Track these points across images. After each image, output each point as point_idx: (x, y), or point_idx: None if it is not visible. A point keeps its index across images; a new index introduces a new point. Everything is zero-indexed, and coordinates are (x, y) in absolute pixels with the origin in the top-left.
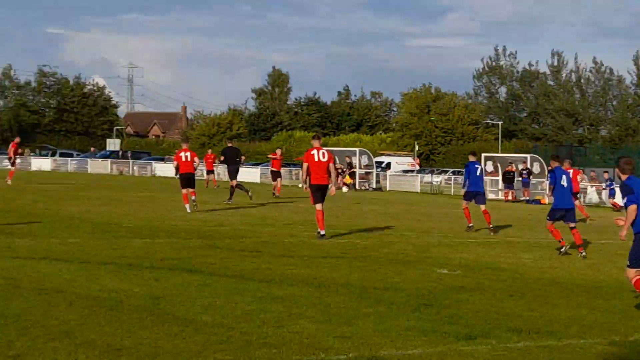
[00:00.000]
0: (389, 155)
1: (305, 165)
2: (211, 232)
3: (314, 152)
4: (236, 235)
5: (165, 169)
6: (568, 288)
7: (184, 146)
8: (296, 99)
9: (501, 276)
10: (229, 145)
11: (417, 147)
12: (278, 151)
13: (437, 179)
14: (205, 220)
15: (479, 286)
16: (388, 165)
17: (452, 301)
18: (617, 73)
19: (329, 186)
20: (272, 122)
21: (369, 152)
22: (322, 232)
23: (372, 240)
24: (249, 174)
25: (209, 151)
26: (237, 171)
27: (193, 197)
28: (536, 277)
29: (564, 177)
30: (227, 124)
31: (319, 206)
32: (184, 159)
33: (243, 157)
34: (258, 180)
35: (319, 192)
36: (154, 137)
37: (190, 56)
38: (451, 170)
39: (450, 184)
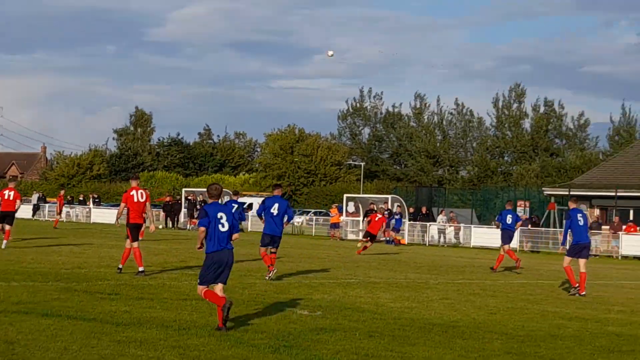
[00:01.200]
0: (251, 196)
1: (122, 205)
2: (68, 274)
3: (133, 192)
4: (94, 278)
5: (23, 210)
6: (426, 328)
7: (10, 185)
8: (159, 140)
9: (361, 317)
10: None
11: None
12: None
13: (298, 219)
14: (62, 263)
15: (338, 327)
16: (250, 206)
17: (312, 342)
18: (477, 115)
19: (147, 225)
20: (133, 163)
21: (230, 193)
22: (141, 269)
23: (232, 282)
24: (110, 215)
25: (62, 192)
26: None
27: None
28: (395, 317)
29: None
30: (88, 164)
31: (135, 244)
32: (6, 197)
33: None
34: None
35: (136, 231)
36: (11, 177)
37: (52, 96)
38: (313, 210)
39: (312, 224)
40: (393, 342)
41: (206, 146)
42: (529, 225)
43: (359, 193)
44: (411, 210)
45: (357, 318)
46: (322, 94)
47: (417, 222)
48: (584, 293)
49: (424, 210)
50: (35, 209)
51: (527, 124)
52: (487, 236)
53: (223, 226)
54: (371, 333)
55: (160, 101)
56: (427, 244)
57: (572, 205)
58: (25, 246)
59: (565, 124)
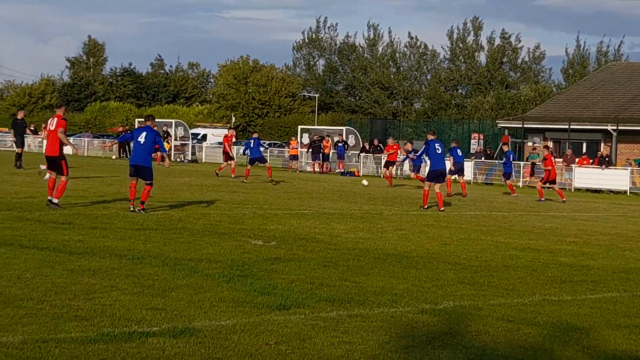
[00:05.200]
0: (205, 127)
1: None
2: (20, 204)
3: (49, 120)
4: (47, 208)
5: None
6: (380, 258)
7: None
8: (111, 70)
9: (315, 247)
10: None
11: (233, 119)
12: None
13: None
14: (14, 192)
15: (293, 257)
16: (204, 137)
17: (267, 272)
18: (431, 47)
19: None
20: (85, 93)
21: (184, 124)
22: (50, 198)
23: (187, 212)
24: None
25: None
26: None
27: None
28: (350, 248)
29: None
30: (39, 94)
31: (54, 175)
32: None
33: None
34: (70, 152)
35: (49, 163)
36: None
37: (1, 23)
38: (267, 142)
39: (267, 156)
40: (347, 271)
41: (159, 76)
42: (483, 158)
43: (314, 125)
44: (366, 145)
45: (311, 248)
46: (275, 24)
47: (370, 154)
48: (442, 209)
49: (376, 142)
50: None
51: (482, 56)
52: None
53: None
54: (326, 263)
55: (111, 31)
56: (381, 176)
57: (430, 137)
58: None
59: (520, 56)
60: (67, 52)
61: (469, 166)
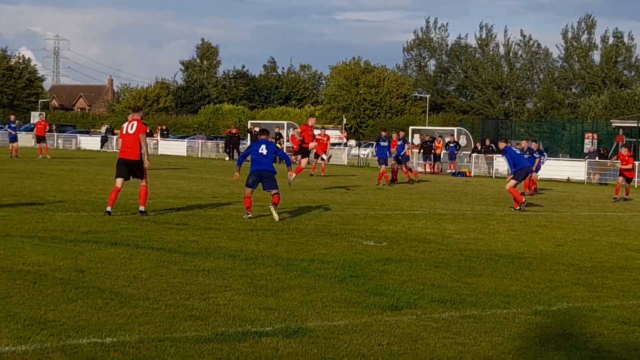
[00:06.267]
0: (317, 128)
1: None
2: (136, 204)
3: (125, 124)
4: (161, 208)
5: (91, 142)
6: (492, 259)
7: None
8: (224, 72)
9: (427, 248)
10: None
11: (345, 120)
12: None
13: (364, 151)
14: (130, 194)
15: (404, 257)
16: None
17: (378, 272)
18: (544, 47)
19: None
20: (199, 95)
21: (297, 125)
22: (108, 209)
23: (298, 213)
24: (176, 148)
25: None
26: None
27: None
28: (461, 248)
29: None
30: (154, 96)
31: (118, 181)
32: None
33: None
34: (185, 154)
35: (124, 167)
36: (79, 110)
37: (117, 29)
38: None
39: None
40: (459, 272)
41: (271, 78)
42: (597, 158)
43: (425, 125)
44: (477, 145)
45: (423, 249)
46: (387, 26)
47: (482, 154)
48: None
49: (487, 142)
50: (103, 140)
51: (595, 55)
52: (553, 168)
53: None
54: (437, 264)
55: (224, 34)
56: (493, 176)
57: (502, 144)
58: (93, 177)
59: (634, 55)
60: (181, 55)
61: (582, 166)
